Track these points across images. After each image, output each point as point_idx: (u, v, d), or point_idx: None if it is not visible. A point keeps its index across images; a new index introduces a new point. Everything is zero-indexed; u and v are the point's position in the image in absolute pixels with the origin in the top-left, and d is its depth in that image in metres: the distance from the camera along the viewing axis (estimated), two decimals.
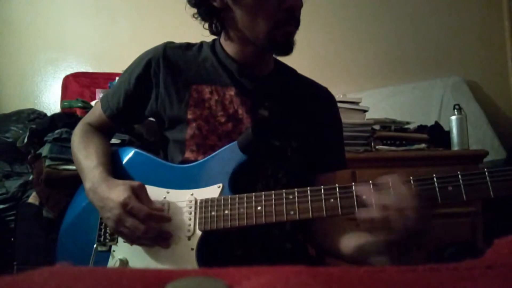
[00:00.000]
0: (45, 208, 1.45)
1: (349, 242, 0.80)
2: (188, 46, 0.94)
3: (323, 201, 0.68)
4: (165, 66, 0.89)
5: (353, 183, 0.68)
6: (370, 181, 0.66)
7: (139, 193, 0.78)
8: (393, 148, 1.78)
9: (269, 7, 0.79)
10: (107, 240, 0.85)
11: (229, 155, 0.80)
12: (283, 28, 0.81)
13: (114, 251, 0.84)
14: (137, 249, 0.80)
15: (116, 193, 0.76)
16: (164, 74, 0.89)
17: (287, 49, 0.84)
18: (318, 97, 0.97)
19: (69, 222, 0.94)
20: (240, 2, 0.80)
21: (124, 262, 0.81)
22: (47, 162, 1.39)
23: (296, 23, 0.83)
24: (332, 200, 0.68)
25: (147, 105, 0.92)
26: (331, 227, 0.87)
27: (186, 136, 0.86)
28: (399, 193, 0.63)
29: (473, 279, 0.25)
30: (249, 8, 0.80)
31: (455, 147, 1.78)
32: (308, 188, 0.70)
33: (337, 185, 0.68)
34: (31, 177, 1.64)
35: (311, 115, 0.92)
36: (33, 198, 1.55)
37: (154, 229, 0.76)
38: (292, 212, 0.70)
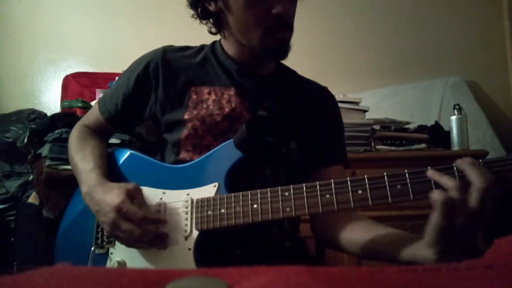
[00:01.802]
0: (45, 208, 1.45)
1: (364, 233, 0.77)
2: (187, 48, 0.94)
3: (319, 197, 0.68)
4: (164, 68, 0.89)
5: (348, 178, 0.67)
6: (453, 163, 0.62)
7: (135, 195, 0.78)
8: (393, 148, 1.77)
9: (258, 14, 0.79)
10: (105, 243, 0.85)
11: (225, 153, 0.80)
12: (275, 34, 0.80)
13: (111, 253, 0.83)
14: (135, 251, 0.80)
15: (111, 197, 0.75)
16: (163, 77, 0.89)
17: (281, 54, 0.85)
18: (318, 96, 0.97)
19: (67, 225, 0.94)
20: (231, 9, 0.81)
21: (122, 264, 0.81)
22: (47, 162, 1.39)
23: (288, 29, 0.82)
24: (328, 195, 0.68)
25: (145, 107, 0.92)
26: (341, 216, 0.84)
27: (182, 136, 0.86)
28: (483, 173, 0.59)
29: (473, 279, 0.25)
30: (240, 14, 0.80)
31: (455, 147, 1.78)
32: (304, 184, 0.70)
33: (332, 180, 0.68)
34: (31, 177, 1.64)
35: (310, 114, 0.92)
36: (33, 198, 1.55)
37: (150, 232, 0.75)
38: (288, 209, 0.70)
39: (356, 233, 0.79)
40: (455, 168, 0.62)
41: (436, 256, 0.61)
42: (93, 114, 0.99)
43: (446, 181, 0.60)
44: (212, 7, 0.85)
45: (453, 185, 0.59)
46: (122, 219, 0.74)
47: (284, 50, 0.83)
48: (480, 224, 0.59)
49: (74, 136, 0.96)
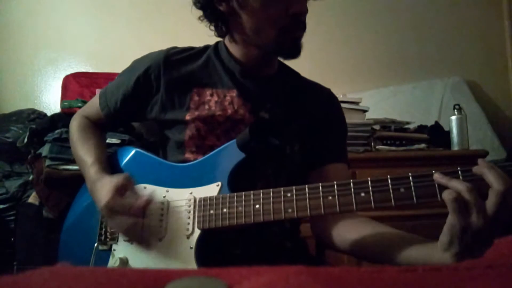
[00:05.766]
0: (45, 208, 1.46)
1: (367, 233, 0.76)
2: (190, 49, 0.94)
3: (321, 198, 0.68)
4: (166, 71, 0.89)
5: (351, 180, 0.67)
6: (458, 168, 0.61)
7: (125, 187, 0.79)
8: (393, 148, 1.78)
9: (275, 13, 0.78)
10: (108, 239, 0.85)
11: (228, 153, 0.81)
12: (291, 33, 0.81)
13: (114, 250, 0.84)
14: (137, 248, 0.81)
15: (103, 194, 0.78)
16: (165, 79, 0.89)
17: (295, 53, 0.85)
18: (321, 98, 0.97)
19: (71, 222, 0.95)
20: (247, 8, 0.80)
21: (124, 261, 0.82)
22: (47, 162, 1.39)
23: (302, 28, 0.82)
24: (330, 197, 0.67)
25: (144, 108, 0.92)
26: (341, 215, 0.82)
27: (185, 137, 0.86)
28: (502, 175, 0.57)
29: (473, 279, 0.25)
30: (256, 14, 0.80)
31: (455, 147, 1.78)
32: (306, 185, 0.70)
33: (335, 182, 0.68)
34: (31, 177, 1.64)
35: (313, 116, 0.92)
36: (33, 198, 1.55)
37: (136, 224, 0.77)
38: (290, 210, 0.70)
39: (357, 233, 0.78)
40: (459, 173, 0.61)
41: (453, 259, 0.59)
42: (94, 107, 0.99)
43: (456, 184, 0.59)
44: (223, 7, 0.83)
45: (463, 188, 0.57)
46: (113, 214, 0.77)
47: (297, 49, 0.84)
48: (497, 227, 0.58)
49: (75, 127, 0.98)
